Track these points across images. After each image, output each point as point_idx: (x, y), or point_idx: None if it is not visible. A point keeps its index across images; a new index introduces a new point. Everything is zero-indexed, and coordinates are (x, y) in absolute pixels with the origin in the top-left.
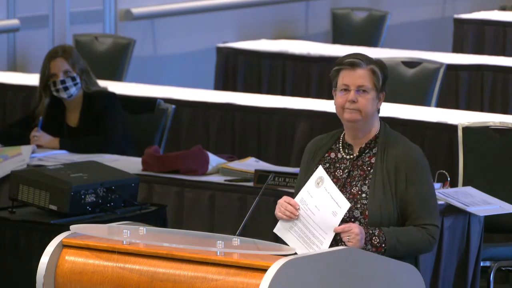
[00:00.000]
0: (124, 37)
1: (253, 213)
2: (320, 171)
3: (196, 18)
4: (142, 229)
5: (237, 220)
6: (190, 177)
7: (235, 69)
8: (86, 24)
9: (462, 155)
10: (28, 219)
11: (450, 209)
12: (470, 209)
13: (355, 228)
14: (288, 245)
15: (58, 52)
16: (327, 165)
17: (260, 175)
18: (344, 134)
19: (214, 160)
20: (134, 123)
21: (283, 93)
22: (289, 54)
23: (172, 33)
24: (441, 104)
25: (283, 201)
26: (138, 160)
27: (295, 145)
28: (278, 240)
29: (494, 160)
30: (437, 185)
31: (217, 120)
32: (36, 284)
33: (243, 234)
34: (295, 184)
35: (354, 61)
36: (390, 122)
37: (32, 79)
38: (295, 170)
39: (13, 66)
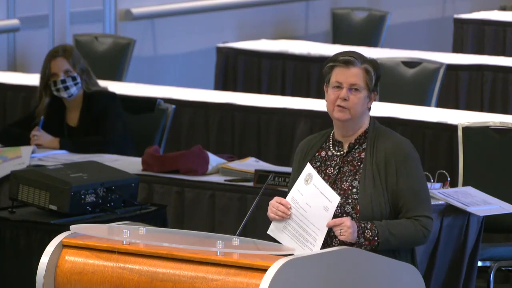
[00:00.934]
0: (124, 37)
1: (253, 213)
2: (308, 169)
3: (196, 18)
4: (142, 229)
5: (237, 220)
6: (190, 177)
7: (235, 69)
8: (86, 24)
9: (462, 155)
10: (28, 219)
11: (450, 209)
12: (470, 209)
13: (347, 221)
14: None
15: (59, 52)
16: (318, 163)
17: (260, 175)
18: (334, 132)
19: (214, 160)
20: (134, 123)
21: (283, 93)
22: (289, 54)
23: (172, 33)
24: (441, 104)
25: (274, 202)
26: (138, 160)
27: (295, 145)
28: (277, 240)
29: (494, 160)
30: (437, 185)
31: (217, 120)
32: (36, 284)
33: (243, 234)
34: None
35: (348, 59)
36: (390, 122)
37: (32, 79)
38: None
39: (13, 66)
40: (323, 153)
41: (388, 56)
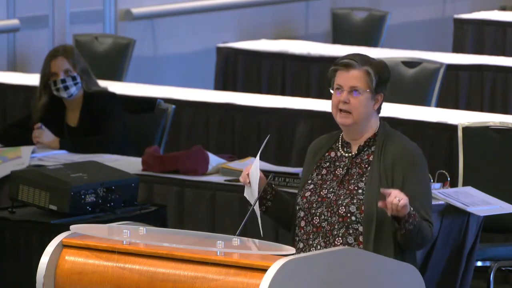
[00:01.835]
0: (124, 37)
1: (253, 213)
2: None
3: (196, 18)
4: (142, 229)
5: (237, 220)
6: (190, 177)
7: (235, 69)
8: (86, 24)
9: (462, 155)
10: (28, 219)
11: (450, 209)
12: (470, 209)
13: (398, 192)
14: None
15: (59, 51)
16: (328, 164)
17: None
18: (342, 133)
19: (214, 160)
20: (134, 123)
21: (283, 93)
22: (289, 54)
23: (172, 33)
24: (441, 104)
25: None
26: (138, 160)
27: (295, 145)
28: (277, 240)
29: (494, 160)
30: (437, 185)
31: (217, 120)
32: (36, 284)
33: (243, 234)
34: (295, 184)
35: (348, 62)
36: (390, 122)
37: (32, 79)
38: (295, 170)
39: (13, 66)
40: (332, 154)
41: (388, 56)
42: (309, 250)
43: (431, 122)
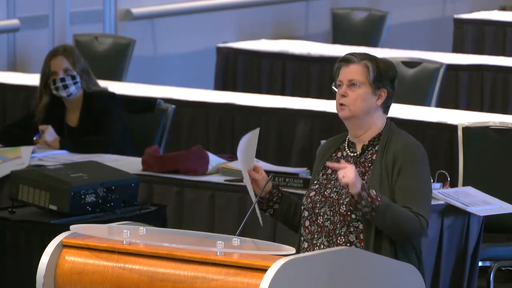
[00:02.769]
0: (124, 37)
1: (253, 213)
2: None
3: (196, 18)
4: (142, 229)
5: (237, 220)
6: (190, 177)
7: (235, 69)
8: (86, 24)
9: (462, 155)
10: (28, 219)
11: (450, 209)
12: (470, 209)
13: (351, 167)
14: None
15: (59, 51)
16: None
17: None
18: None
19: (214, 160)
20: (134, 123)
21: (283, 93)
22: (289, 54)
23: (172, 33)
24: (441, 104)
25: None
26: (138, 160)
27: (295, 145)
28: (277, 240)
29: (494, 160)
30: (437, 185)
31: (217, 120)
32: (36, 284)
33: (243, 234)
34: (295, 184)
35: (347, 57)
36: None
37: (32, 79)
38: (295, 170)
39: (13, 66)
40: (339, 154)
41: (388, 56)
42: (313, 250)
43: (431, 122)
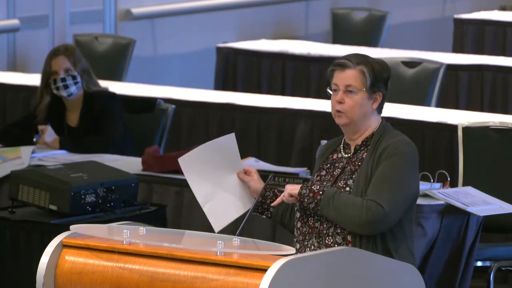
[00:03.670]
0: (124, 37)
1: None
2: None
3: (196, 18)
4: (142, 229)
5: (237, 220)
6: None
7: (235, 69)
8: (86, 24)
9: (462, 155)
10: (28, 219)
11: (450, 209)
12: (470, 209)
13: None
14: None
15: (60, 50)
16: (329, 165)
17: (260, 175)
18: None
19: None
20: (134, 123)
21: (283, 93)
22: (289, 54)
23: (172, 33)
24: (441, 104)
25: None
26: (138, 160)
27: (295, 145)
28: (277, 240)
29: (494, 160)
30: (437, 185)
31: (217, 120)
32: (36, 284)
33: (243, 234)
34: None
35: (343, 62)
36: (390, 122)
37: (32, 79)
38: (295, 170)
39: (13, 66)
40: (334, 156)
41: (388, 56)
42: (304, 251)
43: (431, 122)
